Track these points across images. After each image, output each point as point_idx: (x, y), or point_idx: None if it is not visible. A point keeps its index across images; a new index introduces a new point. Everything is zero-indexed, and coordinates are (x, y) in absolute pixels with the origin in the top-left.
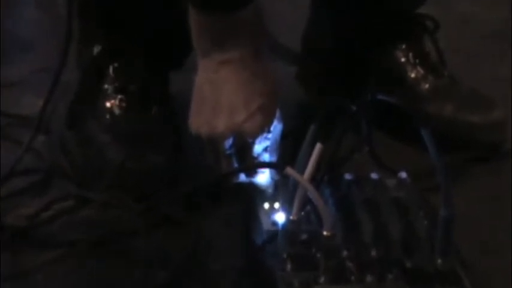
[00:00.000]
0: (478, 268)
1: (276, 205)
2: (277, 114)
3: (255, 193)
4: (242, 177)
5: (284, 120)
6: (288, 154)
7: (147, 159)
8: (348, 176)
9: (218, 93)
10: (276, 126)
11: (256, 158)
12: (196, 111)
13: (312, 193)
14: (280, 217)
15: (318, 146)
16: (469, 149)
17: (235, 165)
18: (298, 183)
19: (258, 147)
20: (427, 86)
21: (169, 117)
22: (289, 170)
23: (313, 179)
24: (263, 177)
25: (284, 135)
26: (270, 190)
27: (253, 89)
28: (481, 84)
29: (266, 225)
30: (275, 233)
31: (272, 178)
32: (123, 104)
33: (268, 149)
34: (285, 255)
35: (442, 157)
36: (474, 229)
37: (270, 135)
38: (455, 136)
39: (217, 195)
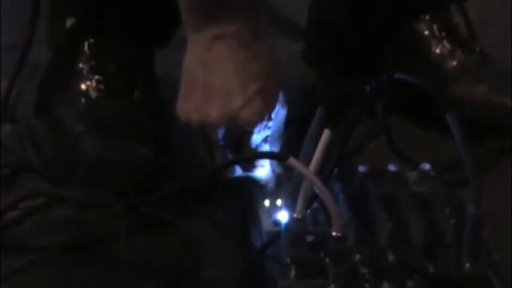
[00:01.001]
0: (508, 272)
1: (278, 202)
2: (280, 98)
3: (254, 189)
4: (239, 171)
5: (288, 105)
6: (292, 144)
7: (129, 150)
8: (361, 168)
9: (211, 75)
10: (279, 112)
11: (254, 150)
12: (186, 95)
13: (319, 188)
14: (282, 216)
15: (326, 133)
16: (503, 138)
17: (231, 157)
18: (303, 177)
19: (256, 137)
20: (454, 63)
21: (155, 102)
22: (292, 161)
23: (321, 172)
24: (263, 170)
25: (288, 122)
26: (271, 185)
27: (252, 70)
28: None
29: (267, 226)
30: (277, 234)
31: (273, 171)
32: (101, 86)
33: (269, 139)
34: (288, 260)
35: (471, 147)
36: (507, 229)
37: (271, 123)
38: (487, 122)
39: (210, 192)
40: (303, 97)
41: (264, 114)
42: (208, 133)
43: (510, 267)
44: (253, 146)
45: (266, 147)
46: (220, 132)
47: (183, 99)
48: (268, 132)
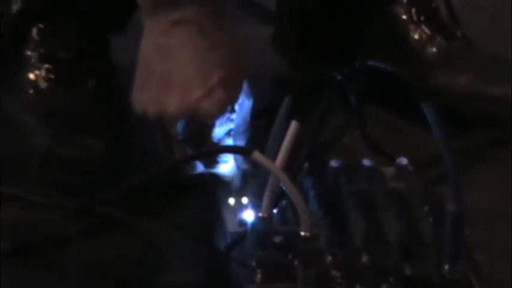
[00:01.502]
0: (494, 276)
1: (244, 200)
2: (245, 88)
3: (217, 186)
4: (200, 167)
5: (256, 95)
6: (260, 138)
7: (82, 144)
8: (334, 163)
9: (169, 64)
10: (243, 104)
11: (216, 144)
12: (142, 85)
13: (286, 183)
14: (248, 215)
15: (294, 125)
16: (488, 130)
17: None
18: (269, 172)
19: (219, 131)
20: (434, 49)
21: (110, 92)
22: (257, 156)
23: (289, 167)
24: (227, 166)
25: (255, 115)
26: (236, 182)
27: (213, 58)
28: (504, 48)
29: (231, 226)
30: (242, 235)
31: (238, 167)
32: (51, 76)
33: (233, 132)
34: (254, 263)
35: (451, 140)
36: (490, 228)
37: (234, 116)
38: (471, 113)
39: (170, 190)
40: (272, 87)
41: (226, 106)
42: (167, 126)
43: (493, 268)
44: (216, 140)
45: (229, 142)
46: (180, 125)
47: (139, 90)
48: (231, 125)
